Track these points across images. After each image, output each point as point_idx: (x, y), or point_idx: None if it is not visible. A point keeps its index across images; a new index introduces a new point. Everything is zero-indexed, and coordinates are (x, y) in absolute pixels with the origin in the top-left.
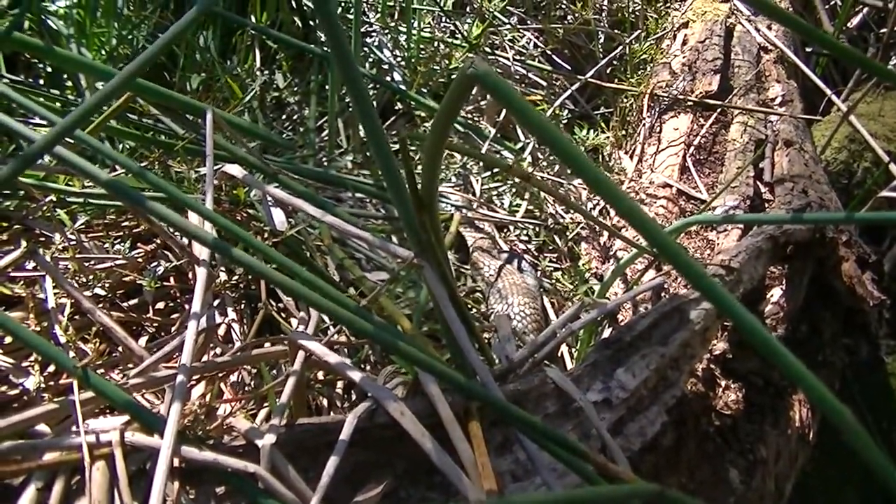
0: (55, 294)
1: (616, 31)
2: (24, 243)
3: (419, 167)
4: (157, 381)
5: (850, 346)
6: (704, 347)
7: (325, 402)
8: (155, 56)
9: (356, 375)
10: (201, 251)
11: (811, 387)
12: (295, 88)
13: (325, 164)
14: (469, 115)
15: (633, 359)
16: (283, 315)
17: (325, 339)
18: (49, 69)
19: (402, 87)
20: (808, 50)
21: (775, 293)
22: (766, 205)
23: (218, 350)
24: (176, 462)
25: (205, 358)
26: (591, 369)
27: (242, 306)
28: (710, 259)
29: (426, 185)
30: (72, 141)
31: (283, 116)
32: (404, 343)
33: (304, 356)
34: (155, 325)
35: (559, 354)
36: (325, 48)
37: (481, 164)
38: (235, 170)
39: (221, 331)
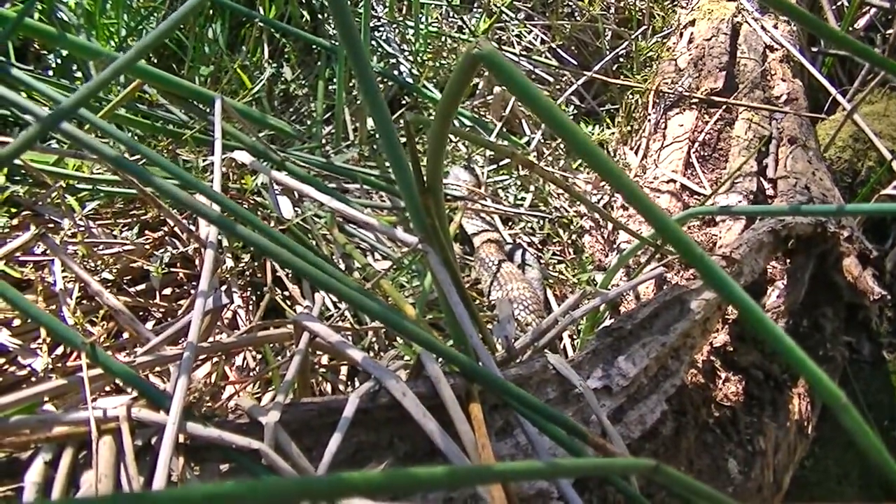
0: (63, 278)
1: (623, 28)
2: (33, 228)
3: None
4: (164, 360)
5: (853, 343)
6: (705, 338)
7: (328, 387)
8: (164, 35)
9: (359, 356)
10: (208, 234)
11: (807, 369)
12: (302, 81)
13: (332, 155)
14: (475, 110)
15: (634, 347)
16: (289, 302)
17: (328, 323)
18: (59, 60)
19: (409, 81)
20: (814, 50)
21: (777, 287)
22: (769, 200)
23: (224, 335)
24: (181, 438)
25: (210, 340)
26: (592, 356)
27: (248, 293)
28: (711, 252)
29: (431, 170)
30: (84, 123)
31: (291, 109)
32: (408, 323)
33: (308, 338)
34: (161, 310)
35: (562, 345)
36: (333, 41)
37: (487, 155)
38: (243, 156)
39: (227, 316)
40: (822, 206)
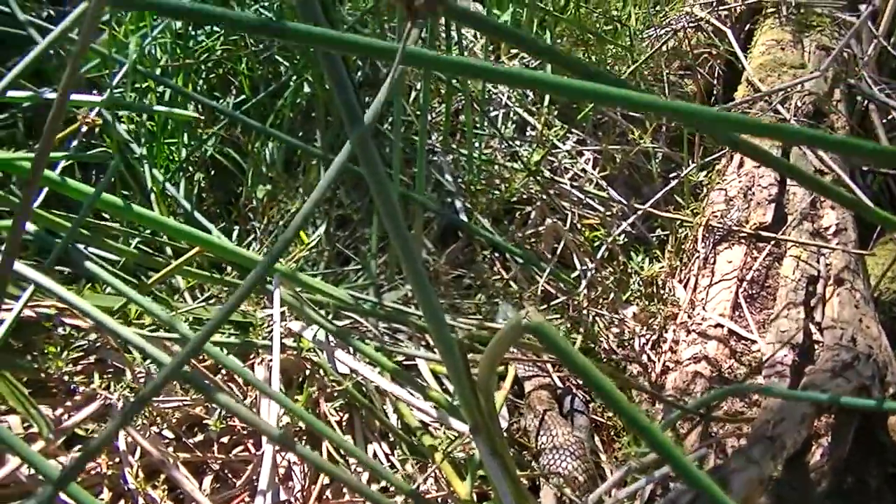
0: (124, 435)
1: (674, 149)
2: (97, 377)
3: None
4: None
5: None
6: None
7: None
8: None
9: None
10: (268, 418)
11: None
12: (357, 205)
13: (386, 288)
14: (526, 240)
15: None
16: (342, 453)
17: None
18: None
19: (462, 217)
20: (865, 168)
21: (821, 445)
22: (817, 346)
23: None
24: None
25: None
26: None
27: (303, 443)
28: (755, 415)
29: (482, 387)
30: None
31: (346, 233)
32: None
33: None
34: (219, 461)
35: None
36: (389, 169)
37: (538, 294)
38: (298, 327)
39: (283, 465)
40: (861, 401)
